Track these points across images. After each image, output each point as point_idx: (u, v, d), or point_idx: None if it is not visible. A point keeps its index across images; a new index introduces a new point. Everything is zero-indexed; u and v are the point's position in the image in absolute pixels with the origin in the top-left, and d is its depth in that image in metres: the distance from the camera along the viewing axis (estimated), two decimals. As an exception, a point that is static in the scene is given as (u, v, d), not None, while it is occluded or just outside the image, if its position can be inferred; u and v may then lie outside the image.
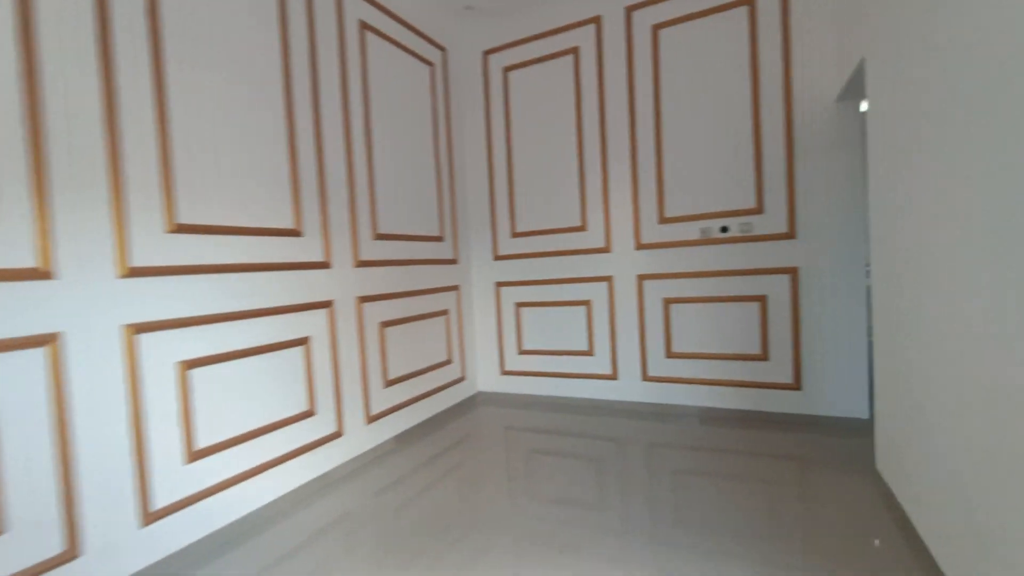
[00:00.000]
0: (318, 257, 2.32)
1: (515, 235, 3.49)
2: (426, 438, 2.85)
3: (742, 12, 2.78)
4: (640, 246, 3.09)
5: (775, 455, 2.38)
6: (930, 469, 1.50)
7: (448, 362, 3.31)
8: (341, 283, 2.45)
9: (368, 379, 2.60)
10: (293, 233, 2.18)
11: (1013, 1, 1.00)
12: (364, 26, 2.64)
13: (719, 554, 1.63)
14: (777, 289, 2.76)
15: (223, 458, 1.87)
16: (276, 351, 2.09)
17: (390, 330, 2.77)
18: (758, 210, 2.77)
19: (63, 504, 1.42)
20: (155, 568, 1.64)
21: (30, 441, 1.37)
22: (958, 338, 1.28)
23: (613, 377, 3.23)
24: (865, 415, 2.62)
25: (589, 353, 3.30)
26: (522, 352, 3.52)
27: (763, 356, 2.82)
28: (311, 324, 2.27)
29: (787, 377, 2.77)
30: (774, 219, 2.75)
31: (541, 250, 3.41)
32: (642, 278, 3.10)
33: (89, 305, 1.49)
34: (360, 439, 2.54)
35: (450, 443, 2.77)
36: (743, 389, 2.88)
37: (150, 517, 1.62)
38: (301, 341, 2.21)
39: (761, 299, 2.80)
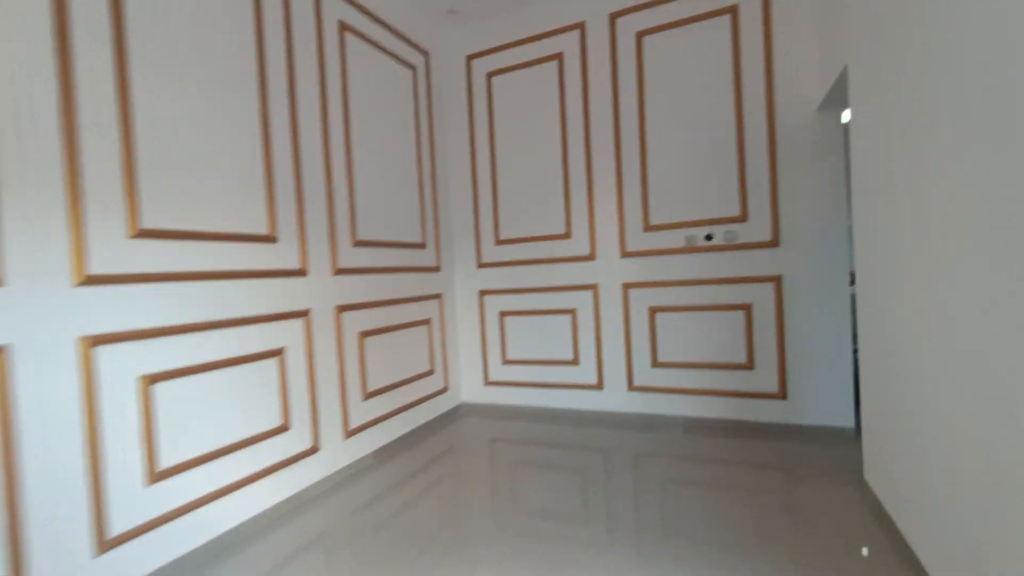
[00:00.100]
0: (294, 264, 2.23)
1: (499, 242, 3.43)
2: (407, 452, 2.76)
3: (725, 20, 2.79)
4: (625, 254, 3.06)
5: (763, 465, 2.35)
6: (921, 479, 1.48)
7: (430, 373, 3.23)
8: (318, 291, 2.36)
9: (347, 391, 2.50)
10: (267, 239, 2.09)
11: (999, 5, 0.99)
12: (344, 27, 2.57)
13: (708, 567, 1.58)
14: (762, 297, 2.76)
15: (189, 478, 1.76)
16: (248, 363, 1.99)
17: (370, 340, 2.68)
18: (742, 218, 2.77)
19: (6, 534, 1.30)
20: (111, 600, 1.52)
21: (-30, 465, 1.25)
22: (946, 345, 1.26)
23: (599, 387, 3.18)
24: (850, 424, 2.61)
25: (574, 363, 3.25)
26: (506, 362, 3.46)
27: (749, 365, 2.80)
28: (286, 335, 2.17)
29: (773, 386, 2.76)
30: (758, 227, 2.75)
31: (526, 258, 3.36)
32: (627, 286, 3.07)
33: (41, 316, 1.38)
34: (338, 454, 2.44)
35: (432, 457, 2.68)
36: (729, 398, 2.86)
37: (106, 545, 1.50)
38: (275, 352, 2.11)
39: (746, 308, 2.79)
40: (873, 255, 1.83)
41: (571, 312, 3.24)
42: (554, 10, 3.21)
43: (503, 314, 3.44)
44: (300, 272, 2.25)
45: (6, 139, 1.33)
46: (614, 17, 3.05)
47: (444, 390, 3.37)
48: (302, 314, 2.25)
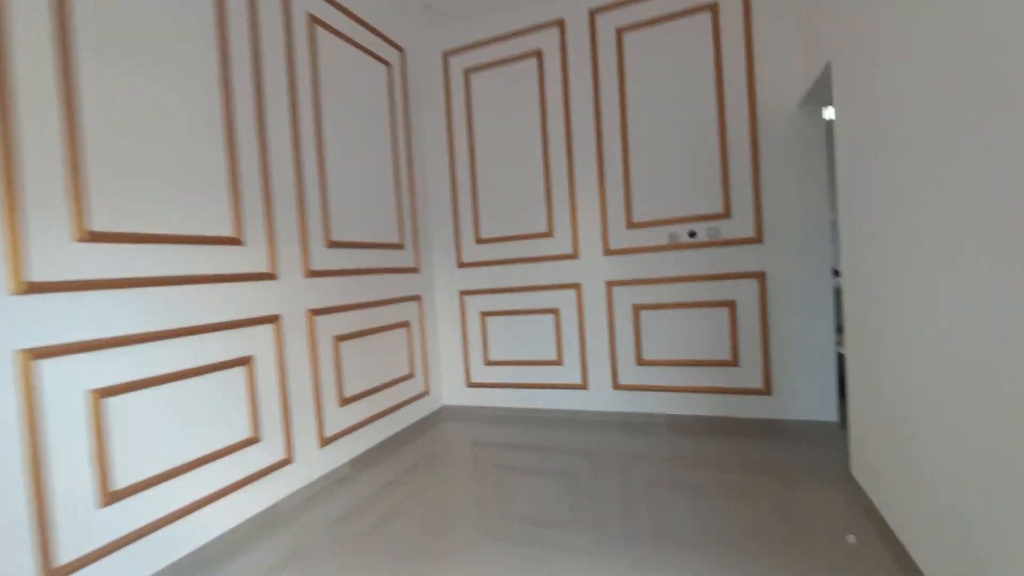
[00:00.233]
0: (262, 267, 2.11)
1: (480, 242, 3.35)
2: (387, 459, 2.66)
3: (706, 17, 2.76)
4: (608, 252, 3.01)
5: (749, 462, 2.32)
6: (910, 474, 1.46)
7: (410, 376, 3.13)
8: (289, 295, 2.25)
9: (321, 399, 2.40)
10: (232, 241, 1.97)
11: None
12: (313, 20, 2.46)
13: (698, 569, 1.53)
14: (745, 294, 2.74)
15: (149, 497, 1.64)
16: (213, 373, 1.87)
17: (346, 344, 2.58)
18: (725, 215, 2.74)
19: (-64, 568, 1.18)
20: (61, 634, 1.40)
21: None
22: (933, 338, 1.23)
23: (583, 387, 3.13)
24: (834, 418, 2.61)
25: (558, 363, 3.19)
26: (489, 363, 3.38)
27: (733, 362, 2.78)
28: (255, 341, 2.06)
29: (757, 382, 2.74)
30: (741, 224, 2.72)
31: (507, 257, 3.28)
32: (611, 284, 3.02)
33: (-27, 327, 1.26)
34: (313, 465, 2.33)
35: (413, 463, 2.59)
36: (714, 395, 2.83)
37: (54, 574, 1.38)
38: (243, 361, 1.99)
39: (730, 304, 2.76)
40: (859, 249, 1.81)
41: (554, 311, 3.17)
42: (533, 6, 3.14)
43: (485, 314, 3.36)
44: (269, 275, 2.14)
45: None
46: (594, 13, 3.00)
47: (425, 394, 3.28)
48: (272, 319, 2.14)
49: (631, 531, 1.82)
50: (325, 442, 2.40)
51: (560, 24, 3.08)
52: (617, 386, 3.04)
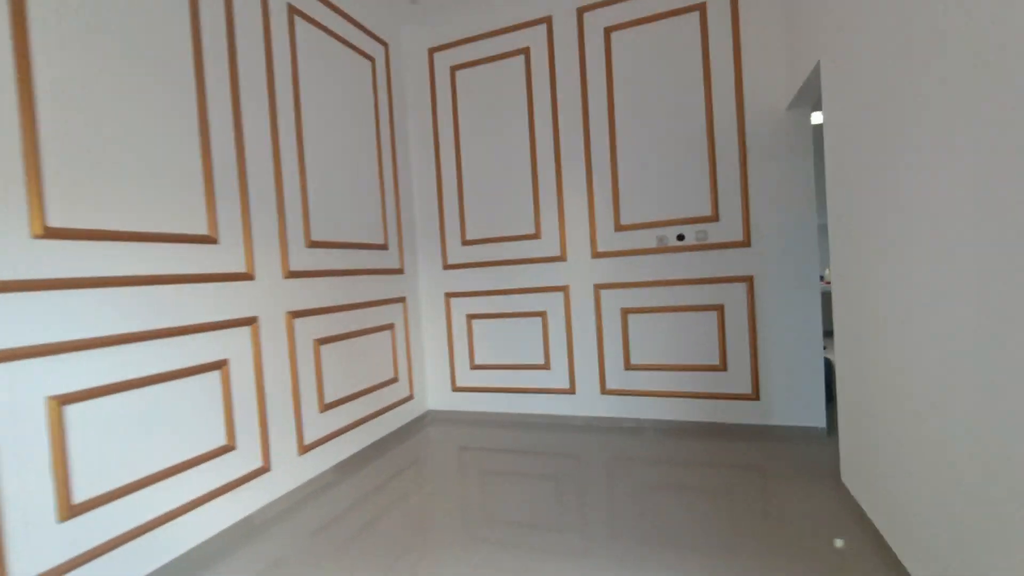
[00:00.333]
0: (238, 268, 2.03)
1: (466, 243, 3.29)
2: (370, 465, 2.59)
3: (694, 18, 2.75)
4: (596, 254, 2.98)
5: (738, 468, 2.30)
6: (901, 480, 1.44)
7: (394, 380, 3.05)
8: (267, 297, 2.16)
9: (301, 404, 2.31)
10: (206, 240, 1.89)
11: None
12: (293, 10, 2.38)
13: (685, 570, 1.50)
14: (734, 298, 2.72)
15: (115, 509, 1.55)
16: (185, 377, 1.79)
17: (327, 348, 2.50)
18: (714, 218, 2.73)
19: None
20: (14, 659, 1.31)
21: None
22: (925, 343, 1.21)
23: (571, 391, 3.09)
24: (822, 424, 2.60)
25: (545, 367, 3.14)
26: (474, 367, 3.32)
27: (722, 366, 2.76)
28: (230, 344, 1.97)
29: (746, 387, 2.73)
30: (729, 227, 2.71)
31: (493, 259, 3.23)
32: (599, 287, 2.98)
33: (-83, 330, 1.16)
34: (292, 473, 2.25)
35: (398, 469, 2.52)
36: (703, 400, 2.81)
37: (7, 595, 1.29)
38: (217, 365, 1.91)
39: (719, 308, 2.75)
40: (849, 252, 1.79)
41: (541, 314, 3.13)
42: (520, 3, 3.10)
43: (471, 317, 3.30)
44: (246, 276, 2.05)
45: None
46: (582, 12, 2.96)
47: (409, 398, 3.20)
48: (248, 321, 2.05)
49: (618, 533, 1.78)
50: (305, 449, 2.32)
51: (547, 21, 3.05)
52: (605, 390, 3.01)
